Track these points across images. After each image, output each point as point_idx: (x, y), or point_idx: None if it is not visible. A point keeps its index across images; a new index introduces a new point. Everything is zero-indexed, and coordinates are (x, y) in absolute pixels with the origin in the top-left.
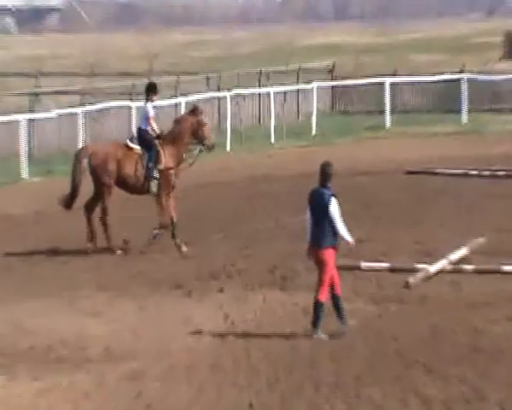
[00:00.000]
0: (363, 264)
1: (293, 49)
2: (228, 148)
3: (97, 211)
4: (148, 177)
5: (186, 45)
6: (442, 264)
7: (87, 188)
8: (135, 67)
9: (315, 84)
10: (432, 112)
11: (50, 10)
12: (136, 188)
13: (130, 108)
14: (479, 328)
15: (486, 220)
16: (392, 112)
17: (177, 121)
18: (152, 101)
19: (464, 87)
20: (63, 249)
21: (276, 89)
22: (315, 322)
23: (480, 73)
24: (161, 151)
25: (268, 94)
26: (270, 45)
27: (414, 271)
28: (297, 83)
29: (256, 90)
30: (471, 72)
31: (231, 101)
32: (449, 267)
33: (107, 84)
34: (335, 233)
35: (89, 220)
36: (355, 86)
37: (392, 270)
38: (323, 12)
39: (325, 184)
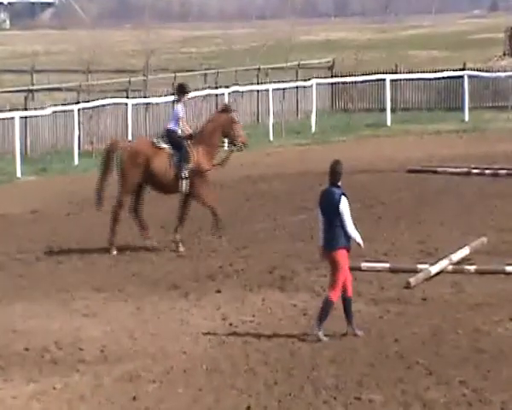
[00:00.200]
0: (364, 264)
1: (292, 46)
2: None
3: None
4: (179, 176)
5: (183, 41)
6: (443, 264)
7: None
8: (131, 63)
9: (314, 82)
10: (433, 109)
11: (45, 5)
12: (166, 187)
13: (126, 105)
14: (481, 329)
15: (488, 220)
16: (393, 109)
17: (209, 120)
18: (182, 101)
19: (466, 84)
20: (59, 249)
21: (274, 86)
22: (320, 319)
23: (481, 69)
24: (191, 150)
25: (266, 91)
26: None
27: (415, 271)
28: (296, 80)
29: (254, 87)
30: (473, 69)
31: (229, 98)
32: (450, 268)
33: (103, 80)
34: (347, 234)
35: (138, 219)
36: (355, 83)
37: (393, 270)
38: (323, 8)
39: (335, 183)
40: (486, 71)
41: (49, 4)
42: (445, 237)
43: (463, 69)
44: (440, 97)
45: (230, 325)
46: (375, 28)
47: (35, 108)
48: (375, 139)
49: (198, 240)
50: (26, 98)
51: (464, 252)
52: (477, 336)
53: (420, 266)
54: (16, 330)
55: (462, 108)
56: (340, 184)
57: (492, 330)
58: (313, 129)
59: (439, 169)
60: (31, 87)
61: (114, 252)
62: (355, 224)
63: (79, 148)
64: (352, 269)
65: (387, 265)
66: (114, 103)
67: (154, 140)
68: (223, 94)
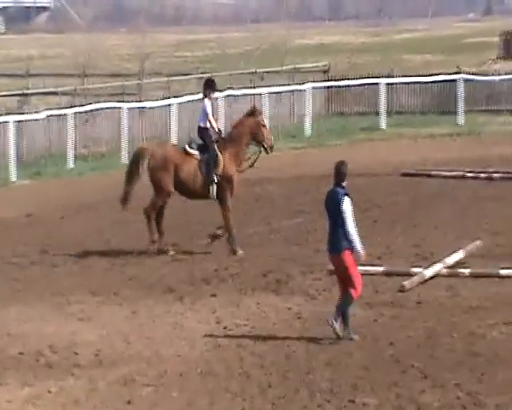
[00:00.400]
0: (359, 268)
1: (287, 49)
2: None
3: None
4: (208, 181)
5: (177, 45)
6: (438, 267)
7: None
8: (126, 67)
9: (309, 85)
10: (427, 113)
11: (40, 9)
12: (195, 193)
13: (121, 109)
14: (475, 333)
15: (483, 223)
16: (388, 113)
17: (237, 123)
18: (210, 97)
19: (460, 88)
20: (53, 253)
21: (269, 89)
22: (342, 318)
23: (476, 73)
24: (220, 155)
25: (261, 95)
26: (264, 45)
27: (410, 275)
28: (291, 83)
29: (249, 91)
30: (467, 72)
31: (224, 102)
32: (445, 271)
33: (98, 84)
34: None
35: (157, 224)
36: (350, 87)
37: (387, 274)
38: (318, 12)
39: (340, 183)
40: (481, 75)
41: (45, 8)
42: (439, 240)
43: (458, 73)
44: (435, 101)
45: (225, 328)
46: (370, 32)
47: (28, 113)
48: (370, 143)
49: (194, 243)
50: (19, 102)
51: (459, 255)
52: (472, 339)
53: (414, 270)
54: (11, 334)
55: (456, 112)
56: (344, 184)
57: (487, 333)
58: (308, 133)
59: (434, 173)
60: (25, 91)
61: (171, 252)
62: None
63: (74, 152)
64: None
65: (382, 268)
66: (109, 107)
67: (185, 146)
68: (217, 98)
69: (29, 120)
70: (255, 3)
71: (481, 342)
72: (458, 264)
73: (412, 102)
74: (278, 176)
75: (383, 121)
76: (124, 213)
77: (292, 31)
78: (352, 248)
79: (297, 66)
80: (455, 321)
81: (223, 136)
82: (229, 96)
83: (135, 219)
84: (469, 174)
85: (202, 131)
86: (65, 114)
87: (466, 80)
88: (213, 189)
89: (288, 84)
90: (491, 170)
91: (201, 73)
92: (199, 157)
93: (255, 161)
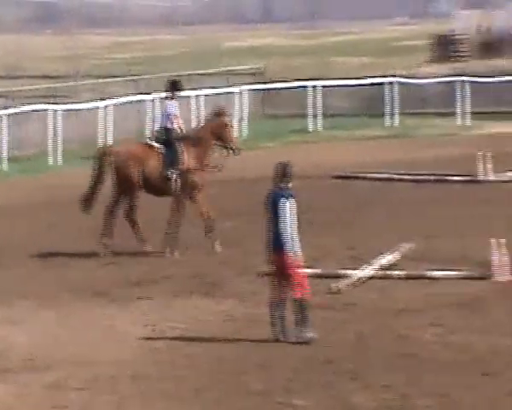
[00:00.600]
0: None
1: (220, 52)
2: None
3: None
4: (168, 177)
5: (108, 47)
6: (371, 270)
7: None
8: (56, 69)
9: (243, 88)
10: (360, 115)
11: None
12: (157, 189)
13: (52, 111)
14: (406, 334)
15: (415, 226)
16: (321, 115)
17: (202, 123)
18: (174, 98)
19: (392, 90)
20: None
21: (203, 92)
22: (303, 323)
23: (407, 76)
24: (183, 153)
25: (196, 97)
26: (197, 47)
27: (343, 277)
28: (225, 86)
29: (183, 94)
30: (399, 75)
31: (156, 104)
32: (378, 273)
33: (29, 86)
34: (297, 235)
35: (133, 224)
36: (283, 89)
37: (321, 276)
38: (250, 14)
39: (283, 184)
40: (412, 77)
41: None
42: (372, 242)
43: (390, 76)
44: (367, 103)
45: (158, 331)
46: (303, 34)
47: None
48: (303, 145)
49: (127, 245)
50: None
51: (390, 257)
52: (402, 341)
53: (347, 272)
54: None
55: (388, 115)
56: (286, 185)
57: (417, 335)
58: (242, 135)
59: (366, 175)
60: None
61: (149, 247)
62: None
63: (8, 154)
64: None
65: (316, 270)
66: (40, 109)
67: (147, 140)
68: (151, 100)
69: None
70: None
71: (411, 344)
72: (390, 266)
73: (345, 105)
74: (214, 178)
75: (316, 124)
76: (57, 216)
77: (224, 33)
78: (294, 249)
79: (230, 68)
80: (386, 323)
81: (187, 134)
82: (162, 98)
83: (68, 222)
84: (401, 177)
85: (167, 132)
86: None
87: (398, 83)
88: (173, 185)
89: (223, 87)
90: (422, 172)
91: (132, 75)
92: (161, 151)
93: (222, 166)
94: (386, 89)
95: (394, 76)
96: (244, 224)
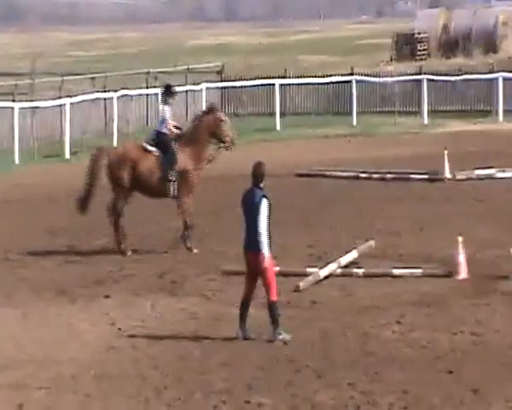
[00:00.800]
0: None
1: (181, 50)
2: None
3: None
4: (165, 179)
5: (70, 45)
6: (332, 268)
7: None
8: (17, 66)
9: (204, 86)
10: (322, 114)
11: None
12: (153, 190)
13: (12, 108)
14: (369, 332)
15: (376, 224)
16: (283, 114)
17: (194, 121)
18: (169, 103)
19: (354, 89)
20: None
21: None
22: (275, 324)
23: (369, 74)
24: (178, 153)
25: (156, 95)
26: (159, 45)
27: (304, 275)
28: (185, 84)
29: (144, 91)
30: (360, 74)
31: (118, 102)
32: (339, 271)
33: None
34: (269, 235)
35: (116, 226)
36: (245, 88)
37: (283, 274)
38: (212, 13)
39: (257, 184)
40: (374, 76)
41: None
42: (333, 240)
43: (351, 74)
44: (329, 102)
45: (119, 330)
46: (265, 33)
47: None
48: (265, 144)
49: (87, 244)
50: None
51: (352, 255)
52: (365, 339)
53: (309, 270)
54: None
55: (350, 113)
56: (262, 185)
57: (380, 332)
58: None
59: (328, 173)
60: None
61: (129, 253)
62: (241, 229)
63: None
64: (240, 273)
65: (277, 268)
66: (0, 107)
67: (143, 143)
68: (111, 98)
69: None
70: (150, 4)
71: (374, 342)
72: (352, 264)
73: (307, 103)
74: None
75: (278, 122)
76: (14, 215)
77: (186, 31)
78: (269, 250)
79: (190, 66)
80: (348, 321)
81: (181, 134)
82: (123, 96)
83: (24, 220)
84: (363, 175)
85: (160, 136)
86: None
87: (359, 82)
88: (172, 187)
89: (183, 85)
90: (384, 171)
91: (94, 72)
92: (157, 154)
93: (216, 157)
94: (349, 87)
95: (357, 74)
96: (206, 222)
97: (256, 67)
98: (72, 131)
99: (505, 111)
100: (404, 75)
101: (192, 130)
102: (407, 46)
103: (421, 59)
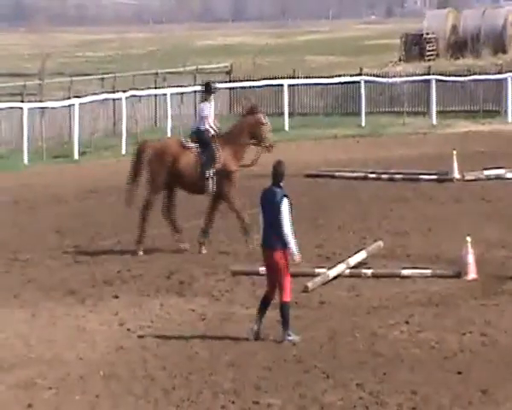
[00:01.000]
0: (262, 269)
1: (190, 50)
2: (123, 151)
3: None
4: (204, 176)
5: (79, 45)
6: (341, 268)
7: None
8: (26, 67)
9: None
10: (330, 114)
11: None
12: (192, 187)
13: (21, 109)
14: (377, 332)
15: (384, 224)
16: (291, 114)
17: (236, 121)
18: (208, 100)
19: (362, 89)
20: None
21: (172, 90)
22: (285, 326)
23: (378, 75)
24: (219, 151)
25: (164, 95)
26: (167, 46)
27: (313, 275)
28: (194, 84)
29: (152, 92)
30: (369, 74)
31: (127, 102)
32: (348, 271)
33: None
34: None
35: (170, 221)
36: (253, 88)
37: (291, 274)
38: (220, 13)
39: (277, 183)
40: (382, 76)
41: None
42: (342, 241)
43: (360, 74)
44: (337, 102)
45: (128, 330)
46: (273, 33)
47: None
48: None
49: (95, 245)
50: None
51: (361, 256)
52: (373, 339)
53: (317, 270)
54: None
55: (359, 113)
56: (282, 184)
57: (388, 333)
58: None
59: (337, 174)
60: None
61: (141, 253)
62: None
63: None
64: (249, 273)
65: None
66: (9, 107)
67: (183, 139)
68: (120, 99)
69: None
70: (158, 4)
71: (383, 342)
72: (360, 264)
73: (315, 104)
74: None
75: (287, 123)
76: (23, 215)
77: (194, 32)
78: (286, 250)
79: (199, 67)
80: (357, 321)
81: (221, 133)
82: (132, 96)
83: (32, 221)
84: (372, 175)
85: (200, 134)
86: None
87: (368, 82)
88: (211, 184)
89: (192, 85)
90: (393, 171)
91: (103, 73)
92: (197, 150)
93: (255, 161)
94: (358, 87)
95: (365, 75)
96: (215, 222)
97: (264, 68)
98: (80, 132)
99: None
100: (412, 76)
101: (232, 129)
102: (416, 46)
103: (430, 59)
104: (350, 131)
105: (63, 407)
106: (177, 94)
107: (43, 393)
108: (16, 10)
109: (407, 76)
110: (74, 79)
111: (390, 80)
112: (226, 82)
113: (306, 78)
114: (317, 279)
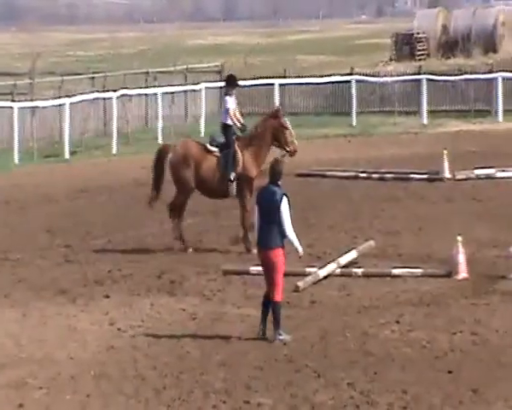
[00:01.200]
0: (253, 268)
1: (180, 50)
2: (114, 150)
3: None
4: (226, 179)
5: (69, 45)
6: (332, 267)
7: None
8: (17, 66)
9: (203, 85)
10: (321, 114)
11: None
12: (214, 191)
13: (12, 108)
14: (368, 332)
15: (375, 223)
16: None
17: (259, 124)
18: (231, 94)
19: (353, 89)
20: None
21: (163, 89)
22: (277, 325)
23: (369, 74)
24: (239, 154)
25: (155, 95)
26: (158, 45)
27: (304, 275)
28: (185, 84)
29: (143, 91)
30: (360, 74)
31: (117, 102)
32: (338, 271)
33: None
34: (283, 234)
35: (176, 223)
36: (244, 88)
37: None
38: (211, 12)
39: (275, 182)
40: (373, 76)
41: None
42: (333, 240)
43: (351, 74)
44: (328, 102)
45: (119, 330)
46: (264, 32)
47: None
48: None
49: (86, 244)
50: None
51: (352, 255)
52: (364, 338)
53: (308, 270)
54: None
55: (349, 113)
56: (280, 183)
57: (379, 332)
58: (202, 133)
59: (328, 173)
60: None
61: (190, 250)
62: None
63: None
64: (240, 273)
65: None
66: (5, 106)
67: (207, 144)
68: (111, 98)
69: None
70: (149, 4)
71: (374, 342)
72: (351, 264)
73: (306, 103)
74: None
75: None
76: (14, 215)
77: (185, 31)
78: (283, 247)
79: (190, 66)
80: (348, 321)
81: (245, 134)
82: (123, 95)
83: (23, 221)
84: (363, 175)
85: (225, 129)
86: None
87: (359, 82)
88: (232, 187)
89: (183, 85)
90: (383, 170)
91: (93, 72)
92: (219, 155)
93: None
94: (349, 87)
95: (356, 74)
96: (204, 221)
97: (255, 67)
98: (71, 131)
99: (505, 111)
100: (403, 75)
101: (255, 132)
102: (406, 46)
103: (421, 59)
104: (341, 130)
105: (54, 407)
106: (168, 93)
107: (34, 393)
108: (7, 10)
109: (398, 76)
110: (65, 78)
111: (381, 80)
112: (217, 81)
113: (297, 77)
114: (308, 279)
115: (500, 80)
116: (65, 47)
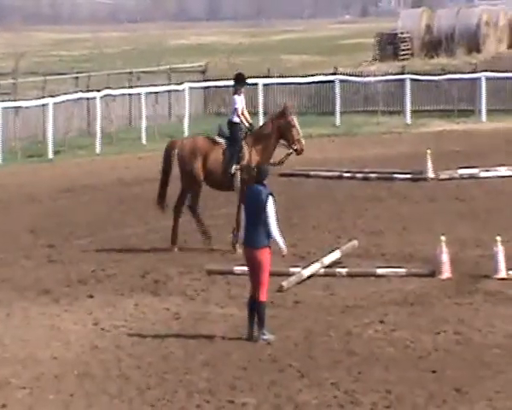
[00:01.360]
0: (236, 268)
1: (164, 50)
2: (97, 150)
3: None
4: (227, 172)
5: (53, 44)
6: (315, 267)
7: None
8: (0, 66)
9: (187, 85)
10: (305, 114)
11: None
12: (222, 183)
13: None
14: (352, 331)
15: (359, 223)
16: (266, 114)
17: (267, 121)
18: (239, 92)
19: (337, 89)
20: None
21: (147, 89)
22: (261, 325)
23: (352, 74)
24: (246, 149)
25: (139, 95)
26: (141, 45)
27: (288, 274)
28: (169, 84)
29: (126, 91)
30: (343, 73)
31: (101, 102)
32: (322, 271)
33: None
34: (270, 233)
35: (176, 222)
36: (228, 87)
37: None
38: (195, 12)
39: (261, 181)
40: (357, 76)
41: None
42: (316, 240)
43: (334, 74)
44: (312, 102)
45: (102, 329)
46: (248, 32)
47: None
48: None
49: (70, 244)
50: None
51: (336, 255)
52: (348, 338)
53: (292, 270)
54: None
55: (333, 113)
56: (265, 183)
57: (363, 332)
58: (186, 133)
59: (312, 173)
60: None
61: (214, 246)
62: (225, 228)
63: None
64: (224, 273)
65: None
66: None
67: (215, 137)
68: (94, 98)
69: None
70: (133, 4)
71: (358, 341)
72: (335, 263)
73: (291, 103)
74: (155, 176)
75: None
76: None
77: (168, 31)
78: (270, 247)
79: (173, 66)
80: (332, 320)
81: (252, 132)
82: (106, 95)
83: (6, 220)
84: (346, 175)
85: (232, 126)
86: None
87: (342, 81)
88: (235, 180)
89: (166, 85)
90: (367, 170)
91: (77, 72)
92: (225, 146)
93: (284, 160)
94: (332, 87)
95: (340, 74)
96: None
97: (238, 67)
98: (54, 131)
99: (488, 111)
100: (387, 75)
101: (262, 128)
102: (390, 46)
103: (404, 59)
104: (325, 130)
105: (37, 407)
106: (152, 93)
107: (17, 392)
108: None
109: (381, 75)
110: (48, 78)
111: (364, 80)
112: (200, 81)
113: (281, 77)
114: (292, 279)
115: (483, 80)
116: (48, 47)
